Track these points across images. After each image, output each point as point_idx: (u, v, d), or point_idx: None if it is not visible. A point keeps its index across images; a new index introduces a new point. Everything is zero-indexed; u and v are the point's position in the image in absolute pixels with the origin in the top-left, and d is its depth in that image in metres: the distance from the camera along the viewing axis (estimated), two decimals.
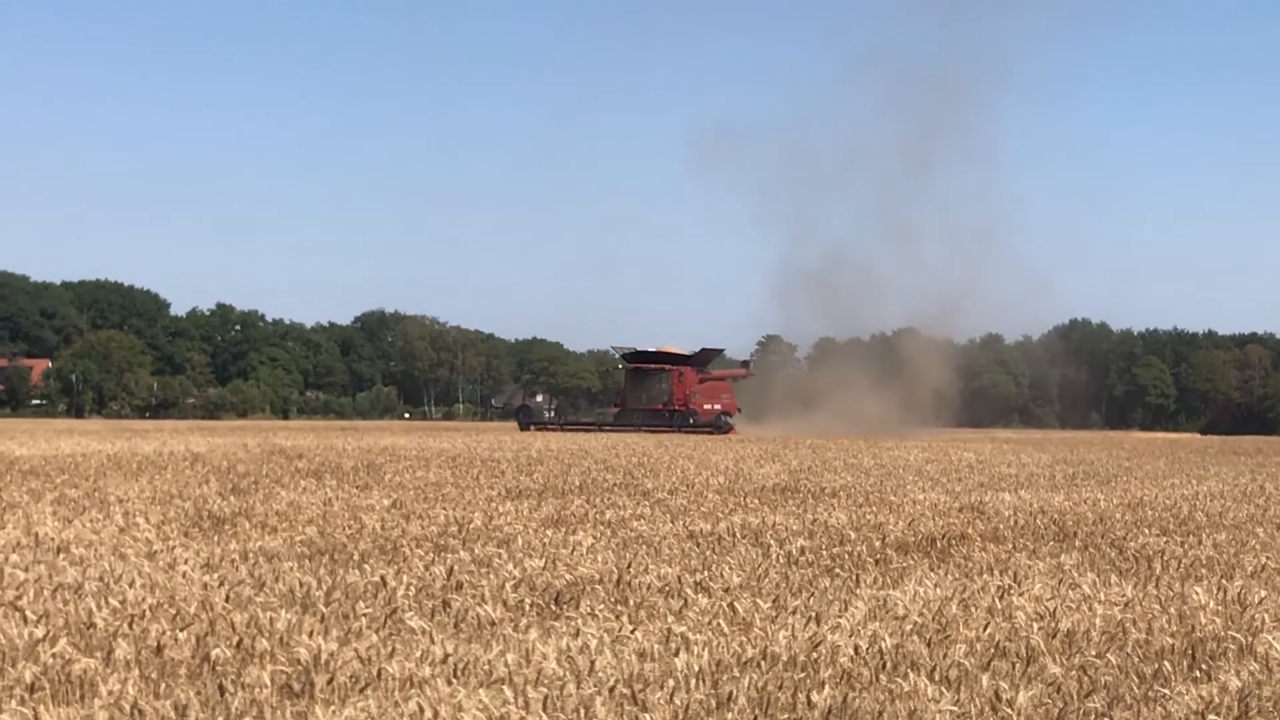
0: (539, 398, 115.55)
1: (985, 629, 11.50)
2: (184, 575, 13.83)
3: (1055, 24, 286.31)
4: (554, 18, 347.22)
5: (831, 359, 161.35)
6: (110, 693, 8.90)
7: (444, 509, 22.52)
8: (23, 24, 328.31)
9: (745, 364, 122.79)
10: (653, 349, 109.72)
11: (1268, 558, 17.51)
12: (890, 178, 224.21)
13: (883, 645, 10.59)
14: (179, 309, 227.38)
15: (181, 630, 10.64)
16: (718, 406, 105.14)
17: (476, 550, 16.73)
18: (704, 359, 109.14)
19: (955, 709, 8.97)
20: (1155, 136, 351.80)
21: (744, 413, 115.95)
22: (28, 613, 11.14)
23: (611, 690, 9.03)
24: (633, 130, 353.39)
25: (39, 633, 10.28)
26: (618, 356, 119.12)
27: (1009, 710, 8.99)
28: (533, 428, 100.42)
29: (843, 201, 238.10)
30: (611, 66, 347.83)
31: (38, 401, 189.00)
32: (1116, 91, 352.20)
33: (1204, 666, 10.76)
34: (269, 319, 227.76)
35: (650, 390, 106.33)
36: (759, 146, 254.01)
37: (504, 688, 8.92)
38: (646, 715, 8.60)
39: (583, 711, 8.63)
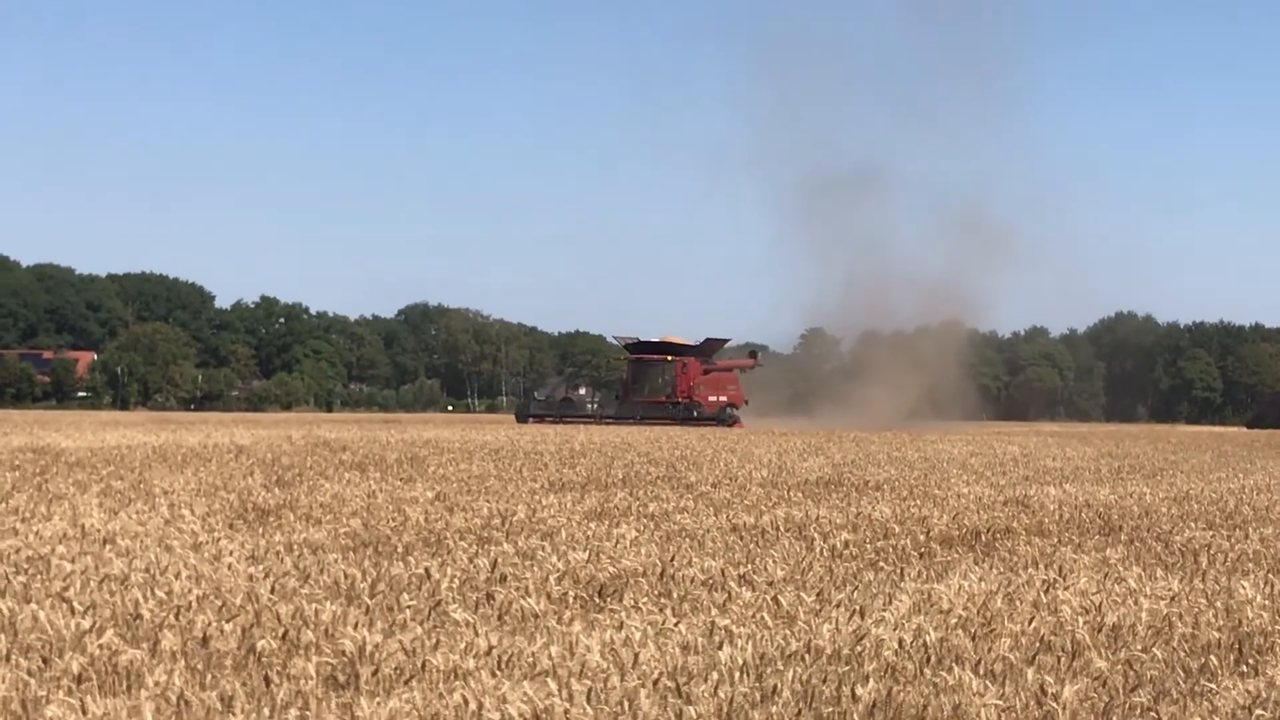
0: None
1: (1030, 623, 11.45)
2: (229, 567, 13.88)
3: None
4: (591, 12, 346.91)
5: (874, 351, 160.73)
6: (157, 683, 8.94)
7: (487, 501, 22.55)
8: (67, 21, 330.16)
9: (753, 354, 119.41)
10: (656, 339, 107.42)
11: None
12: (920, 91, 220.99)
13: (927, 639, 10.55)
14: (223, 302, 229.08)
15: (227, 622, 10.68)
16: (723, 398, 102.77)
17: (520, 543, 16.75)
18: (709, 349, 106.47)
19: (1000, 703, 8.93)
20: (1203, 129, 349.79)
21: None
22: (75, 604, 11.20)
23: (655, 683, 9.02)
24: (666, 124, 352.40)
25: (86, 624, 10.33)
26: (620, 346, 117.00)
27: (1054, 704, 8.95)
28: (531, 420, 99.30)
29: (864, 112, 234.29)
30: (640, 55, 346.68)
31: (83, 394, 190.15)
32: (1160, 84, 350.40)
33: (1251, 661, 10.69)
34: (313, 312, 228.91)
35: (652, 382, 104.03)
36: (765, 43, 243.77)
37: (548, 680, 8.91)
38: (690, 708, 8.59)
39: (627, 704, 8.62)
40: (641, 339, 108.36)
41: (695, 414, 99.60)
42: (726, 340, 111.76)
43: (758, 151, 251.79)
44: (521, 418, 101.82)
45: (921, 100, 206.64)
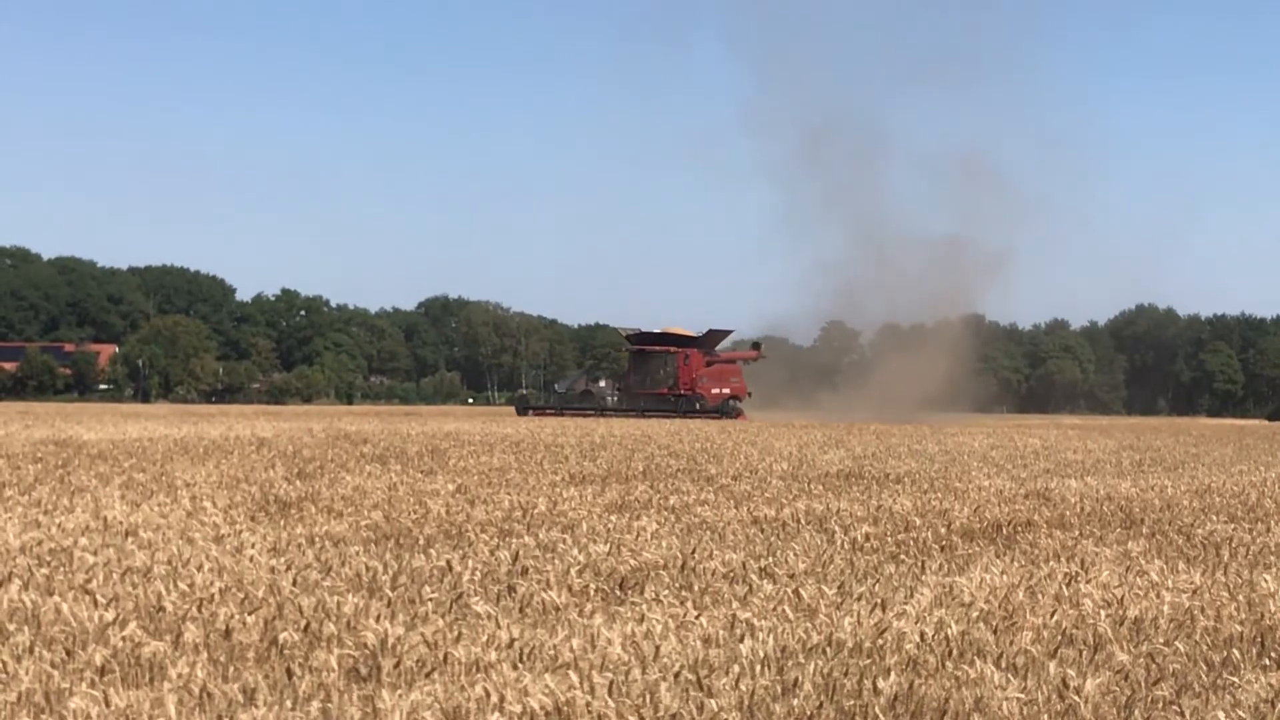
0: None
1: (1052, 616, 11.43)
2: (251, 559, 13.91)
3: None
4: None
5: (889, 342, 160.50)
6: (179, 675, 8.97)
7: (508, 494, 22.57)
8: (88, 15, 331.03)
9: (756, 346, 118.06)
10: (658, 330, 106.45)
11: None
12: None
13: (949, 632, 10.55)
14: (244, 294, 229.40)
15: (249, 614, 10.71)
16: (726, 391, 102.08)
17: (541, 535, 16.76)
18: (711, 341, 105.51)
19: (1022, 696, 8.92)
20: (1223, 121, 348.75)
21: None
22: (98, 596, 11.24)
23: (677, 676, 9.03)
24: (684, 113, 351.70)
25: (109, 616, 10.36)
26: (623, 337, 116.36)
27: (1076, 698, 8.94)
28: (530, 412, 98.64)
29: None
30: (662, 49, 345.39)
31: (105, 386, 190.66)
32: (1185, 75, 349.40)
33: (1273, 654, 10.67)
34: (333, 304, 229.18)
35: (654, 373, 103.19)
36: None
37: (569, 673, 8.93)
38: (712, 701, 8.59)
39: (648, 697, 8.63)
40: (643, 330, 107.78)
41: (697, 406, 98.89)
42: (729, 331, 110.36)
43: (757, 120, 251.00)
44: (521, 411, 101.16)
45: (927, 63, 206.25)
